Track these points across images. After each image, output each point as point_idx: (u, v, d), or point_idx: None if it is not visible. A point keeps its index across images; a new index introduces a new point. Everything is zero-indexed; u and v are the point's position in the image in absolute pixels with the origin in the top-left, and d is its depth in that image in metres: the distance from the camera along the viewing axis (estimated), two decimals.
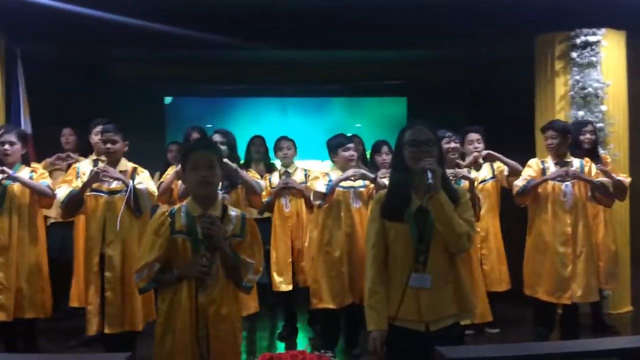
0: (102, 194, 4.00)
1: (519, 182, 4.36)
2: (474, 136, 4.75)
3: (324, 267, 4.27)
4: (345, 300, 4.21)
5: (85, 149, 4.80)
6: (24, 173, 4.23)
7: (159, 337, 2.45)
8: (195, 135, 4.73)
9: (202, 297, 2.38)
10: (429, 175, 2.29)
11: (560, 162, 4.35)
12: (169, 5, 5.13)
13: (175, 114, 7.41)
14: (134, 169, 4.07)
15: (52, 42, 5.51)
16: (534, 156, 5.52)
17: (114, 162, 4.05)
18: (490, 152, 4.64)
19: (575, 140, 4.63)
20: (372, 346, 2.38)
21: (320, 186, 4.23)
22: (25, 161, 4.34)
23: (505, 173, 4.68)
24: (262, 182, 4.36)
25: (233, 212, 2.57)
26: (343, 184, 4.26)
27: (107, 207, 3.98)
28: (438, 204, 2.32)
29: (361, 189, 4.33)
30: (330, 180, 4.23)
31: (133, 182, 3.95)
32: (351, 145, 4.29)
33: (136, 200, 3.91)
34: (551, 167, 4.36)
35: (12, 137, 4.20)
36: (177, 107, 7.49)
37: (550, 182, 4.31)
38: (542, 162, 4.43)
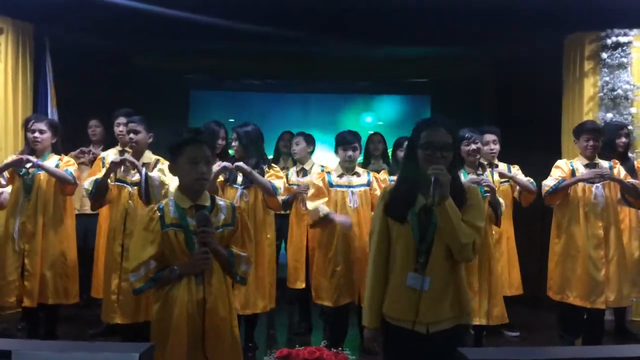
0: (125, 185, 4.04)
1: (550, 182, 4.26)
2: (489, 137, 4.67)
3: (321, 265, 4.26)
4: (341, 300, 4.16)
5: (111, 141, 4.85)
6: (51, 161, 4.31)
7: (156, 333, 2.40)
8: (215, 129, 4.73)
9: (201, 290, 2.36)
10: (434, 185, 2.16)
11: (591, 164, 4.27)
12: None
13: (200, 107, 7.45)
14: (157, 161, 4.08)
15: (80, 33, 5.57)
16: (559, 157, 5.44)
17: (137, 153, 4.06)
18: (502, 172, 4.56)
19: (610, 142, 4.54)
20: (366, 345, 2.46)
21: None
22: (56, 150, 4.40)
23: (517, 188, 4.62)
24: (280, 184, 4.22)
25: (221, 201, 2.55)
26: (340, 182, 4.23)
27: (129, 197, 4.01)
28: (444, 213, 2.23)
29: (360, 189, 4.24)
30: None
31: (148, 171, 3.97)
32: (352, 145, 4.18)
33: (147, 189, 3.90)
34: (580, 168, 4.27)
35: (42, 126, 4.29)
36: (201, 101, 7.53)
37: (581, 184, 4.22)
38: (571, 163, 4.34)
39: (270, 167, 4.30)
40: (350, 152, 4.19)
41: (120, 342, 4.00)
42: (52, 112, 5.45)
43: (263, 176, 4.15)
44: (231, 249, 2.49)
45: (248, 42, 5.86)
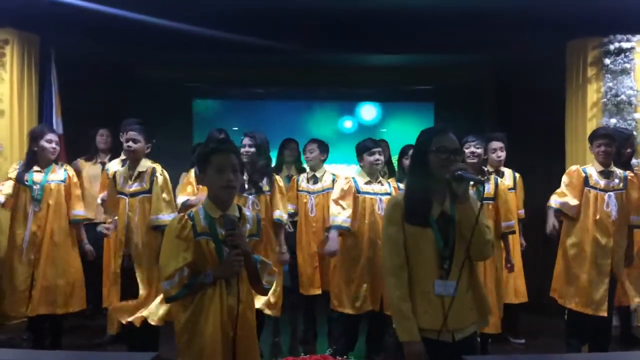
0: (124, 196, 4.01)
1: (554, 201, 4.28)
2: (496, 144, 4.69)
3: (345, 271, 4.22)
4: (364, 307, 4.16)
5: (116, 150, 4.88)
6: (59, 174, 4.38)
7: (185, 343, 2.39)
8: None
9: (231, 298, 2.38)
10: (467, 175, 2.23)
11: (605, 171, 4.23)
12: (201, 7, 5.18)
13: (203, 116, 7.47)
14: (154, 169, 4.03)
15: (84, 44, 5.61)
16: (562, 163, 5.45)
17: (134, 161, 4.04)
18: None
19: (617, 150, 4.49)
20: None
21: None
22: (55, 160, 4.44)
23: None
24: (282, 214, 4.24)
25: (247, 212, 2.57)
26: (368, 189, 4.21)
27: (129, 208, 3.98)
28: (469, 209, 2.27)
29: (385, 197, 4.20)
30: None
31: (152, 183, 3.96)
32: (377, 149, 4.21)
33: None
34: (594, 174, 4.24)
35: (56, 137, 4.37)
36: (204, 109, 7.56)
37: (593, 192, 4.20)
38: (584, 169, 4.29)
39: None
40: (377, 156, 4.19)
41: (126, 351, 4.00)
42: (57, 122, 5.48)
43: (271, 179, 4.23)
44: (258, 255, 2.52)
45: (250, 51, 5.87)
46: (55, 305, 4.27)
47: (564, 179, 4.34)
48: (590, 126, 5.26)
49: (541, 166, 5.45)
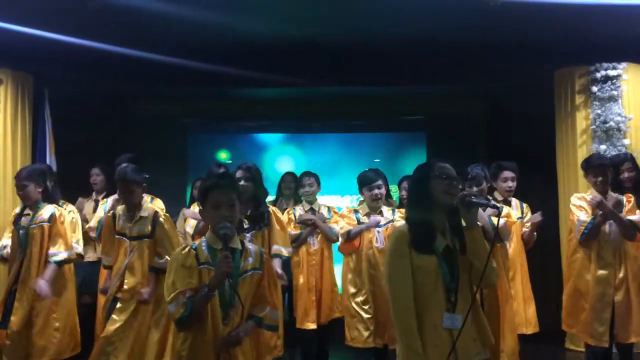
0: (124, 238, 3.95)
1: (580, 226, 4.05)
2: (508, 174, 4.62)
3: (350, 306, 4.22)
4: (370, 341, 4.11)
5: (114, 187, 4.83)
6: (47, 210, 4.20)
7: None
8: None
9: (226, 331, 2.41)
10: (481, 201, 2.26)
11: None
12: (195, 42, 5.24)
13: (198, 149, 7.47)
14: (155, 215, 3.95)
15: (78, 81, 5.63)
16: (555, 190, 5.48)
17: (136, 208, 3.97)
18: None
19: (613, 179, 4.36)
20: None
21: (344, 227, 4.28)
22: (48, 198, 4.28)
23: (527, 228, 4.65)
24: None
25: (250, 246, 2.62)
26: (367, 221, 4.22)
27: (130, 252, 3.92)
28: (478, 236, 2.27)
29: (387, 226, 4.22)
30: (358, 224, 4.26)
31: (154, 228, 3.91)
32: (376, 183, 4.18)
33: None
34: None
35: (23, 181, 4.20)
36: (199, 143, 7.56)
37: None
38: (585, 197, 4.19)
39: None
40: (376, 191, 4.18)
41: None
42: (51, 160, 5.48)
43: (267, 212, 4.15)
44: (257, 315, 2.55)
45: (244, 85, 5.94)
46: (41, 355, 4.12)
47: (579, 212, 4.09)
48: (581, 152, 5.33)
49: (534, 192, 5.47)
